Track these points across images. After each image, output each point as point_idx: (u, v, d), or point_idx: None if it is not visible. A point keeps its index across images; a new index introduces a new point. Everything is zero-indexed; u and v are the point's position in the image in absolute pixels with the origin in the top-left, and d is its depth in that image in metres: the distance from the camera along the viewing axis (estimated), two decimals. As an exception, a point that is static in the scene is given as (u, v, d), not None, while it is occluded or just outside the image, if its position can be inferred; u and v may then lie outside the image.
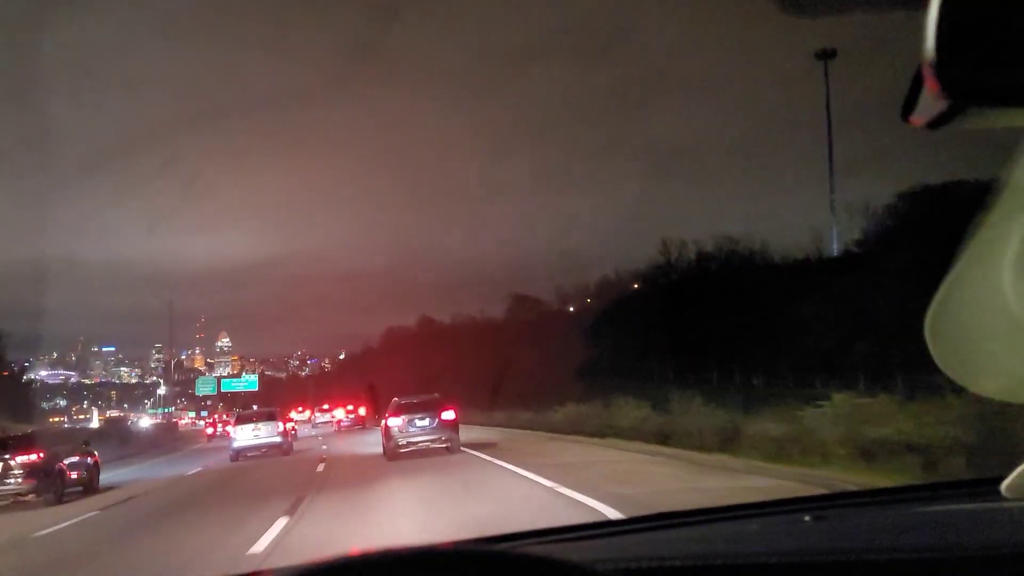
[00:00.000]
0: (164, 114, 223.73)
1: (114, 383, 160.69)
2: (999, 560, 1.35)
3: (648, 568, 1.41)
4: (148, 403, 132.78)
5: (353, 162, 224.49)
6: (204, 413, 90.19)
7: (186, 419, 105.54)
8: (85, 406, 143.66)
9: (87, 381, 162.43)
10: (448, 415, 17.35)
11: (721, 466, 12.03)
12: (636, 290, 52.51)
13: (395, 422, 17.16)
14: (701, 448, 14.06)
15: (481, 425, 28.06)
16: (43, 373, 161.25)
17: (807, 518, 1.74)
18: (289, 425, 26.95)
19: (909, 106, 0.86)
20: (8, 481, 15.27)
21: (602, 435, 17.96)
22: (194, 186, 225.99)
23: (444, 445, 17.18)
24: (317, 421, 53.63)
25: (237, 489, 14.99)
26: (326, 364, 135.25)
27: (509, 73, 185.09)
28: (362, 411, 46.59)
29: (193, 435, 55.41)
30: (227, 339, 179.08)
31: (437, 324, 72.62)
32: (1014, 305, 1.07)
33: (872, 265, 26.52)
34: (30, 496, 15.39)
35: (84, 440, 19.38)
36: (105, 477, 19.13)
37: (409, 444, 16.97)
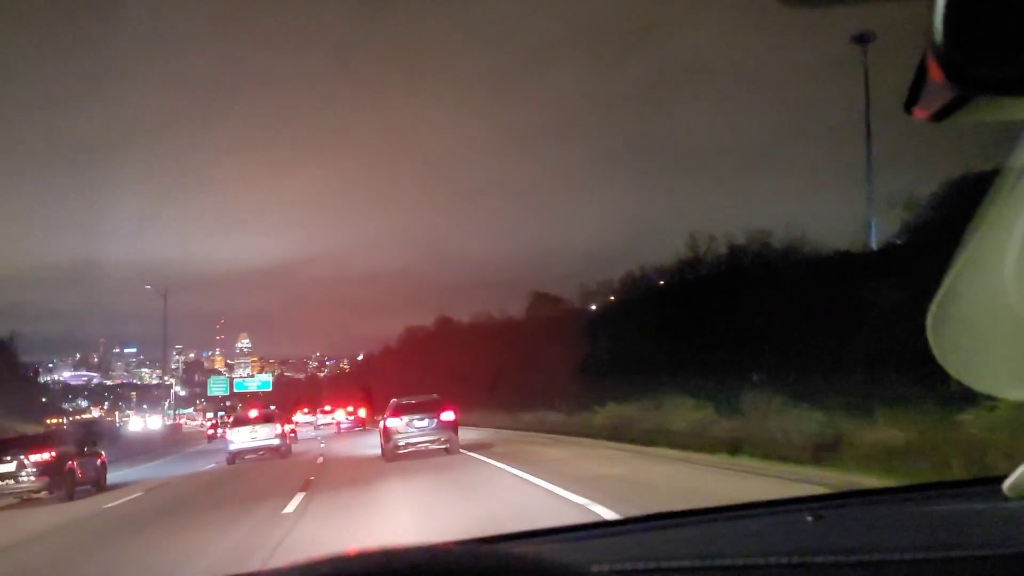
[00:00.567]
0: (189, 117, 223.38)
1: (135, 384, 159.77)
2: (1001, 559, 1.33)
3: (644, 569, 1.38)
4: (165, 404, 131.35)
5: (375, 164, 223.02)
6: (222, 414, 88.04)
7: (198, 420, 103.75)
8: (106, 407, 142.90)
9: (109, 382, 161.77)
10: (447, 416, 16.99)
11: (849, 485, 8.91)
12: (665, 284, 50.13)
13: (393, 423, 16.80)
14: (787, 459, 11.02)
15: (506, 428, 25.13)
16: (66, 374, 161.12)
17: (808, 518, 1.69)
18: (288, 427, 26.35)
19: (913, 97, 0.85)
20: (22, 479, 15.58)
21: (650, 441, 14.94)
22: (216, 189, 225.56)
23: (443, 446, 16.86)
24: (319, 423, 52.96)
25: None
26: (344, 365, 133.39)
27: (533, 72, 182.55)
28: (362, 412, 45.74)
29: (196, 437, 53.82)
30: (247, 340, 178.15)
31: (456, 324, 70.09)
32: (1016, 301, 1.05)
33: (923, 257, 23.82)
34: (43, 493, 15.76)
35: (92, 440, 19.80)
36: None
37: (408, 445, 16.62)
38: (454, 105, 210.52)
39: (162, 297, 38.09)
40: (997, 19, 0.77)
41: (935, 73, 0.78)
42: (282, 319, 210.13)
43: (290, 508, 10.26)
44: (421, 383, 47.14)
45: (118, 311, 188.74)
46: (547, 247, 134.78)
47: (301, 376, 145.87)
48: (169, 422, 69.91)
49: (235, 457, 22.39)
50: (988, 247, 1.07)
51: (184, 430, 65.31)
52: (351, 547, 0.89)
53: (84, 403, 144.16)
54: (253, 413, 25.37)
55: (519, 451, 16.18)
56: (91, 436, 21.10)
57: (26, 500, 15.92)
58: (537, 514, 8.12)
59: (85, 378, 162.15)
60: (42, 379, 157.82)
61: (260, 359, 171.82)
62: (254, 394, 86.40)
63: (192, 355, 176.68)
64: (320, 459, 18.69)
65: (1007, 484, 1.53)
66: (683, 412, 14.94)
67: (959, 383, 1.25)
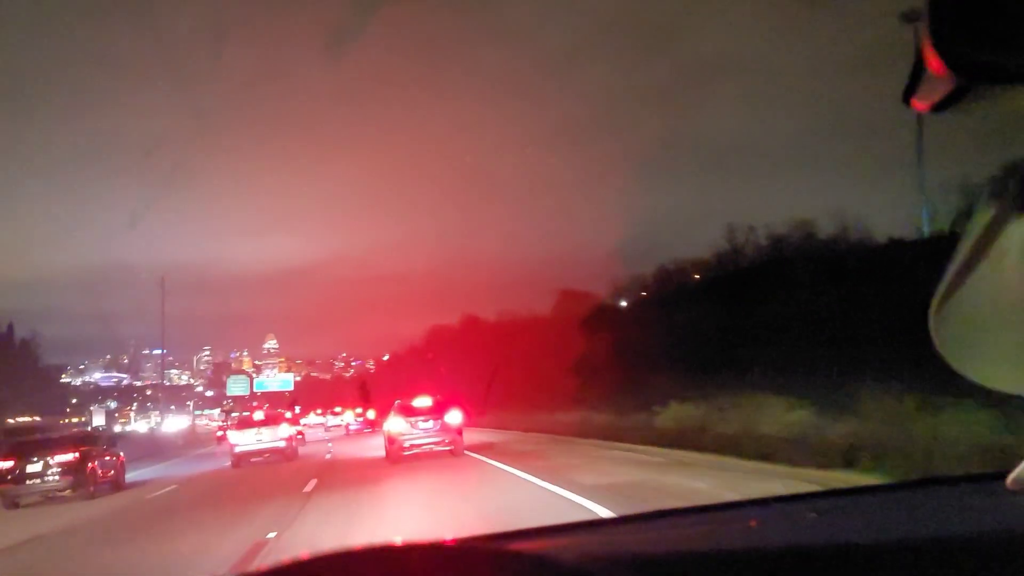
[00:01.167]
0: (219, 121, 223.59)
1: (164, 385, 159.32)
2: (1005, 553, 1.32)
3: (642, 564, 1.36)
4: (191, 405, 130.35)
5: (401, 164, 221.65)
6: (235, 415, 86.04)
7: (217, 421, 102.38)
8: (134, 408, 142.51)
9: (138, 383, 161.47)
10: (451, 417, 16.67)
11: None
12: (704, 277, 47.60)
13: (397, 424, 16.49)
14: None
15: (545, 432, 22.21)
16: (97, 375, 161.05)
17: (809, 514, 1.67)
18: (294, 429, 25.52)
19: (912, 88, 0.83)
20: (48, 478, 16.22)
21: (735, 449, 11.81)
22: (245, 192, 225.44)
23: (448, 448, 16.59)
24: (329, 424, 52.31)
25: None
26: (370, 365, 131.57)
27: (561, 70, 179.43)
28: (371, 414, 44.65)
29: (209, 438, 51.73)
30: (274, 341, 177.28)
31: (482, 322, 67.51)
32: (1018, 292, 1.03)
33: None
34: (67, 492, 16.36)
35: (111, 442, 20.75)
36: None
37: (412, 447, 16.33)
38: (481, 104, 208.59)
39: (159, 287, 35.63)
40: (995, 7, 0.75)
41: (933, 63, 0.76)
42: (309, 320, 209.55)
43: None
44: (446, 383, 44.87)
45: (148, 313, 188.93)
46: (573, 246, 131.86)
47: (327, 376, 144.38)
48: (188, 423, 68.57)
49: (240, 460, 21.61)
50: (991, 236, 1.00)
51: (201, 431, 63.62)
52: (356, 543, 0.87)
53: (113, 404, 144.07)
54: (259, 415, 24.36)
55: (576, 465, 12.91)
56: (110, 438, 21.85)
57: (50, 498, 16.50)
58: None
59: (115, 379, 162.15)
60: (75, 381, 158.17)
61: (287, 359, 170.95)
62: (276, 394, 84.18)
63: (207, 353, 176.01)
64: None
65: (1011, 478, 1.48)
66: (773, 414, 11.95)
67: None
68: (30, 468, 16.25)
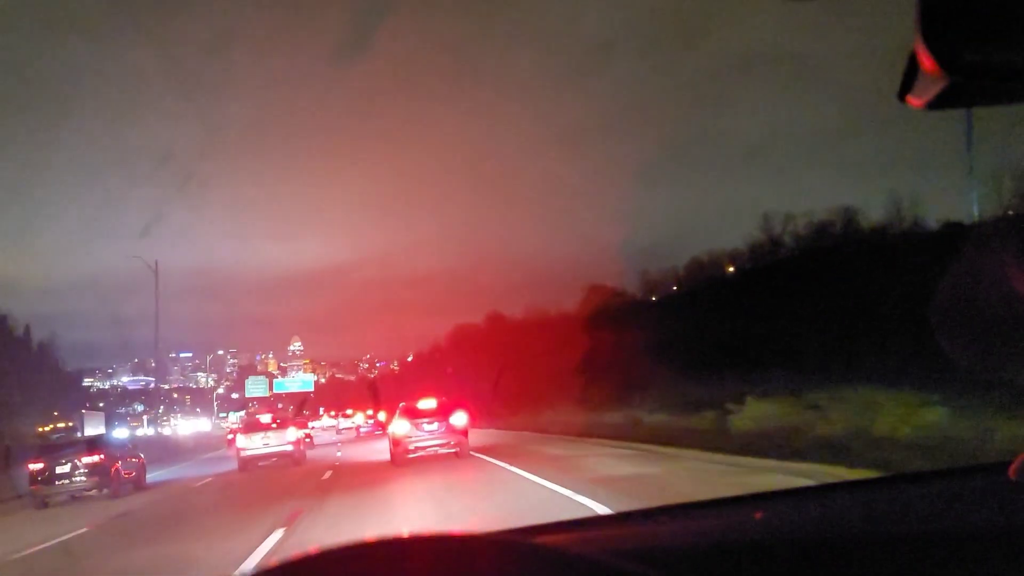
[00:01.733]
0: (242, 125, 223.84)
1: (190, 388, 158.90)
2: (1008, 543, 1.32)
3: (657, 557, 1.37)
4: (214, 407, 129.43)
5: (427, 164, 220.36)
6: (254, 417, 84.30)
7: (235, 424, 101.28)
8: (161, 411, 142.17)
9: (165, 386, 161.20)
10: (457, 419, 16.33)
11: None
12: (741, 268, 45.07)
13: (402, 427, 16.26)
14: None
15: (588, 437, 19.08)
16: (124, 379, 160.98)
17: (814, 507, 1.70)
18: (302, 433, 24.81)
19: (907, 86, 0.83)
20: (76, 479, 16.75)
21: (855, 458, 8.91)
22: (270, 195, 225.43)
23: (453, 450, 16.29)
24: (340, 427, 51.52)
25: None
26: (394, 366, 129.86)
27: (588, 67, 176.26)
28: (382, 416, 44.07)
29: (221, 442, 50.30)
30: (299, 342, 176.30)
31: (507, 320, 65.02)
32: None
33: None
34: (93, 491, 16.95)
35: (133, 444, 22.01)
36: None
37: (417, 449, 16.11)
38: (507, 102, 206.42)
39: (152, 271, 33.10)
40: (986, 5, 0.75)
41: (926, 62, 0.77)
42: (334, 322, 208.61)
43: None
44: (468, 382, 42.61)
45: (175, 317, 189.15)
46: (600, 243, 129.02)
47: (351, 378, 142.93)
48: (199, 427, 67.50)
49: (246, 464, 21.05)
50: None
51: (216, 434, 62.20)
52: (368, 535, 0.86)
53: (139, 407, 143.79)
54: (265, 418, 23.68)
55: (644, 478, 10.22)
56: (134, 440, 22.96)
57: (76, 497, 17.02)
58: None
59: (142, 383, 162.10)
60: (103, 384, 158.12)
61: (312, 361, 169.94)
62: (298, 395, 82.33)
63: (231, 356, 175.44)
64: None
65: (1014, 468, 1.49)
66: (894, 412, 9.28)
67: None
68: (59, 469, 16.81)
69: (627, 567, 0.96)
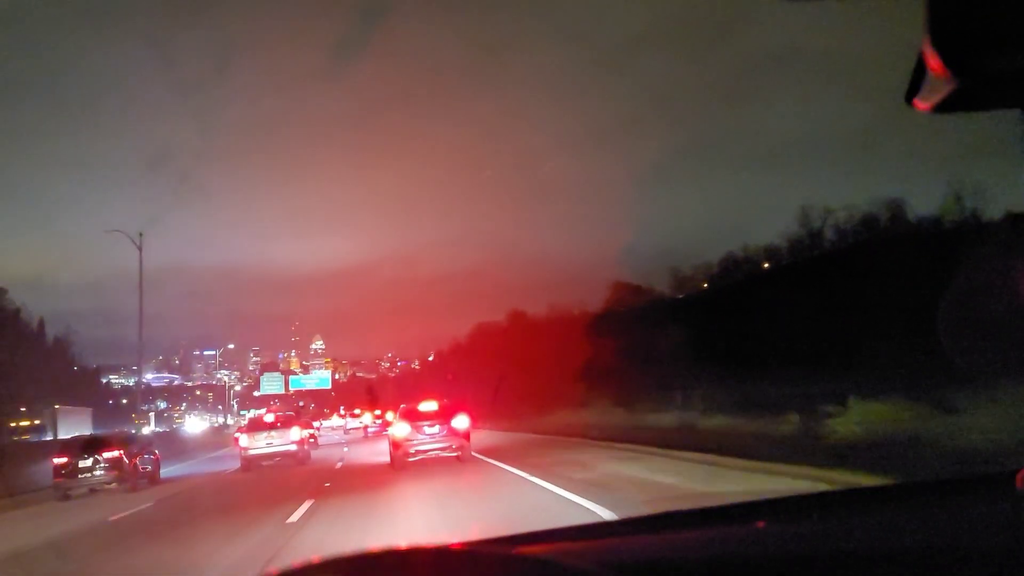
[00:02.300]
0: (263, 121, 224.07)
1: (213, 385, 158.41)
2: (1017, 555, 1.29)
3: (651, 568, 1.33)
4: (234, 405, 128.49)
5: (449, 163, 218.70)
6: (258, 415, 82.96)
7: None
8: (183, 408, 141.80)
9: (189, 383, 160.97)
10: (458, 422, 15.87)
11: None
12: (781, 263, 42.84)
13: (402, 430, 15.89)
14: None
15: (644, 445, 15.08)
16: (149, 376, 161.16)
17: (817, 516, 1.62)
18: (306, 433, 24.37)
19: (914, 89, 0.82)
20: (96, 473, 17.58)
21: None
22: (293, 194, 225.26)
23: (454, 454, 15.85)
24: (348, 427, 51.15)
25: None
26: (415, 365, 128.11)
27: (614, 66, 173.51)
28: (390, 416, 41.11)
29: (226, 440, 48.96)
30: (320, 341, 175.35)
31: (530, 318, 62.55)
32: None
33: None
34: (112, 485, 17.76)
35: (148, 441, 22.62)
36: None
37: (417, 452, 15.71)
38: (532, 101, 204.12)
39: (136, 246, 30.32)
40: (995, 7, 0.74)
41: (934, 64, 0.75)
42: (355, 321, 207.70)
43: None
44: (492, 383, 40.31)
45: (199, 315, 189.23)
46: (623, 243, 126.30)
47: (372, 376, 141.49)
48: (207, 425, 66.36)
49: (249, 463, 20.67)
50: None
51: (225, 432, 60.52)
52: (369, 546, 0.86)
53: (163, 404, 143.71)
54: (269, 417, 23.16)
55: None
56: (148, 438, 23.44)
57: (95, 490, 17.75)
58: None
59: (167, 380, 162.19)
60: (127, 381, 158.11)
61: (333, 360, 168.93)
62: (317, 392, 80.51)
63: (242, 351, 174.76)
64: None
65: (1022, 477, 1.45)
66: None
67: None
68: (81, 464, 17.49)
69: None
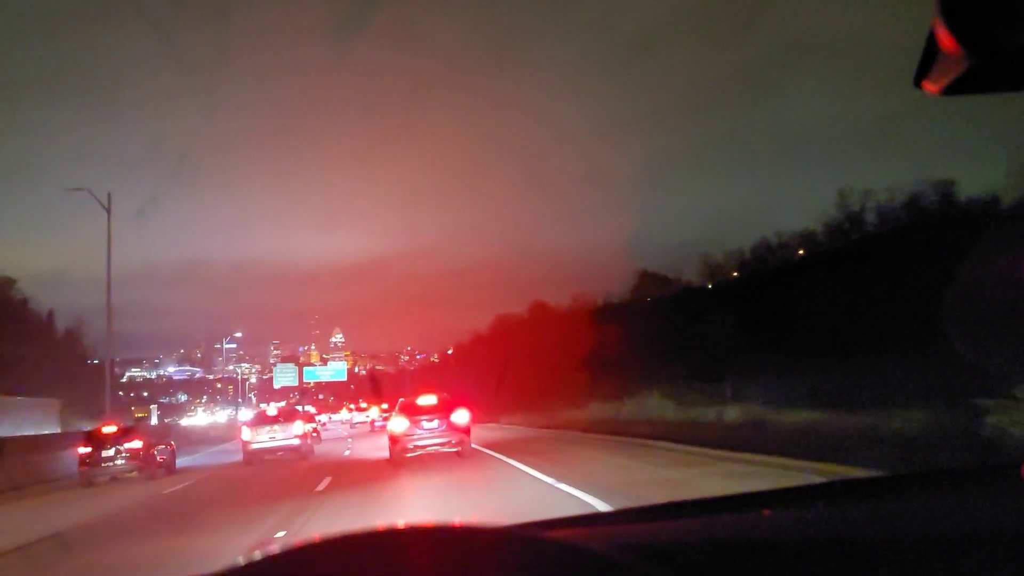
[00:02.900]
0: (282, 116, 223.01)
1: (233, 378, 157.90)
2: (1019, 546, 1.27)
3: (666, 553, 1.33)
4: (253, 397, 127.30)
5: (468, 157, 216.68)
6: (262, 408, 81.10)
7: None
8: (204, 400, 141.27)
9: (211, 376, 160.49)
10: (458, 417, 15.37)
11: None
12: (817, 248, 40.12)
13: (400, 424, 15.40)
14: None
15: (690, 447, 12.69)
16: (171, 369, 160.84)
17: (822, 504, 1.62)
18: (309, 427, 24.21)
19: (924, 70, 0.79)
20: (118, 462, 18.48)
21: None
22: (314, 189, 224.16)
23: (454, 449, 15.34)
24: (354, 420, 49.87)
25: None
26: (434, 358, 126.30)
27: (635, 57, 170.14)
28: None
29: (231, 434, 47.11)
30: (340, 335, 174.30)
31: (553, 309, 59.94)
32: None
33: None
34: (133, 474, 18.68)
35: (165, 432, 26.09)
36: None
37: (416, 448, 15.23)
38: (551, 94, 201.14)
39: (104, 208, 27.34)
40: None
41: (946, 42, 0.72)
42: (375, 314, 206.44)
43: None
44: (513, 375, 38.11)
45: (221, 309, 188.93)
46: (644, 235, 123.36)
47: (391, 370, 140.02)
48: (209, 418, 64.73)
49: (252, 457, 20.49)
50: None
51: (233, 425, 58.88)
52: (379, 523, 0.85)
53: (183, 397, 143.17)
54: (272, 411, 23.64)
55: None
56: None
57: (116, 478, 18.52)
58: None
59: (188, 373, 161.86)
60: (149, 374, 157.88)
61: (353, 353, 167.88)
62: (334, 385, 78.53)
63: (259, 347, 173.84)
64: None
65: None
66: None
67: None
68: (104, 453, 18.41)
69: (633, 562, 0.94)
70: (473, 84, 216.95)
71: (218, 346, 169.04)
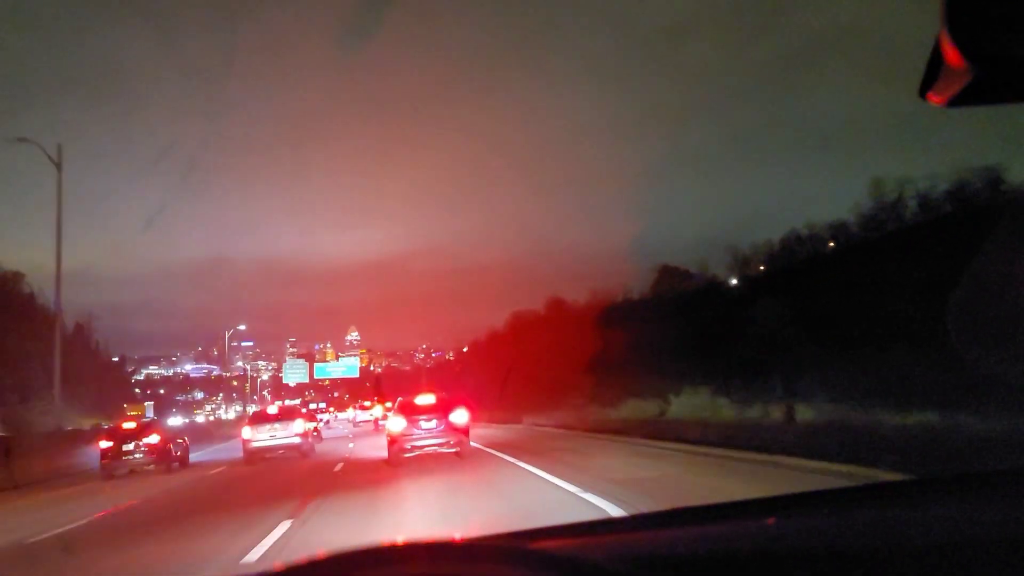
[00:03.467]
0: (301, 115, 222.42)
1: (251, 376, 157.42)
2: None
3: (665, 563, 1.30)
4: (267, 394, 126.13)
5: (485, 154, 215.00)
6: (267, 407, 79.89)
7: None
8: (220, 398, 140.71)
9: (227, 374, 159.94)
10: (457, 416, 15.15)
11: None
12: (848, 241, 38.00)
13: (398, 424, 15.22)
14: None
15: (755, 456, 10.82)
16: (188, 367, 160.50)
17: (829, 511, 1.57)
18: (310, 425, 24.18)
19: (928, 82, 0.78)
20: (137, 456, 19.27)
21: None
22: (331, 187, 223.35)
23: (453, 450, 15.11)
24: (358, 419, 49.44)
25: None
26: (449, 356, 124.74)
27: (658, 52, 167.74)
28: None
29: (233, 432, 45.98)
30: (355, 332, 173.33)
31: (570, 306, 57.96)
32: None
33: None
34: (150, 467, 19.53)
35: (179, 428, 28.40)
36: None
37: (414, 448, 15.03)
38: (569, 90, 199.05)
39: (54, 163, 25.21)
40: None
41: (951, 56, 0.72)
42: (391, 311, 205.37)
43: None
44: (529, 372, 36.70)
45: (239, 306, 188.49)
46: (659, 234, 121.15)
47: (406, 367, 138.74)
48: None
49: (252, 456, 20.38)
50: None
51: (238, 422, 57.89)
52: (380, 539, 0.85)
53: (200, 394, 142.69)
54: (272, 410, 23.65)
55: None
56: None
57: (135, 471, 19.45)
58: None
59: (206, 370, 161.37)
60: (166, 371, 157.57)
61: (368, 351, 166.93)
62: (346, 381, 76.95)
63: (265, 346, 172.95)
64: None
65: None
66: None
67: None
68: (125, 447, 19.15)
69: (632, 573, 0.90)
70: (489, 82, 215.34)
71: (234, 344, 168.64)
